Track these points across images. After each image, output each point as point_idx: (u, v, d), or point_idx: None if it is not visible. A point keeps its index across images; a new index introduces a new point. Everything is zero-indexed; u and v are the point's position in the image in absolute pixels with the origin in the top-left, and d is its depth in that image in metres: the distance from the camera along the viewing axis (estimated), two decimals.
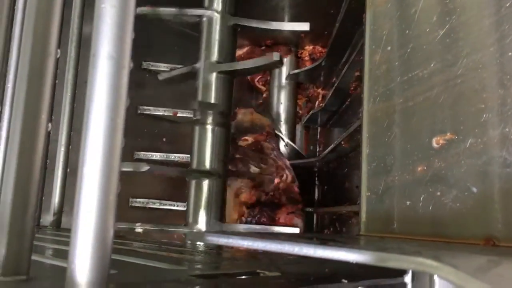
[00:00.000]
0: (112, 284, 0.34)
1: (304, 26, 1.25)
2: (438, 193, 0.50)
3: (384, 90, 0.56)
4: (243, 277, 0.46)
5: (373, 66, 0.57)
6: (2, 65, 0.41)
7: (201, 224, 1.26)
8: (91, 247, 0.28)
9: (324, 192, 1.49)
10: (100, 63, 0.30)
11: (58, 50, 0.37)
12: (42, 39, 0.36)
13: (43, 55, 0.36)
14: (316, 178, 1.54)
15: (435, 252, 0.32)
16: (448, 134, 0.51)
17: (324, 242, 0.34)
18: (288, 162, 1.41)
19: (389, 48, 0.56)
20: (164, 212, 1.49)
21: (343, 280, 0.44)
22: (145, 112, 1.51)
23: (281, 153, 1.45)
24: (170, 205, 1.48)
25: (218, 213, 1.30)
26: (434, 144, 0.52)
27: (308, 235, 0.53)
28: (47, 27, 0.36)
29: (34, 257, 0.50)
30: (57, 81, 1.03)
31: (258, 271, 0.47)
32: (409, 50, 0.54)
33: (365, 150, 0.56)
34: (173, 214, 1.48)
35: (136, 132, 1.48)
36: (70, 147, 1.03)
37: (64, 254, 0.53)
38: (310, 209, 1.46)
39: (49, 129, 0.36)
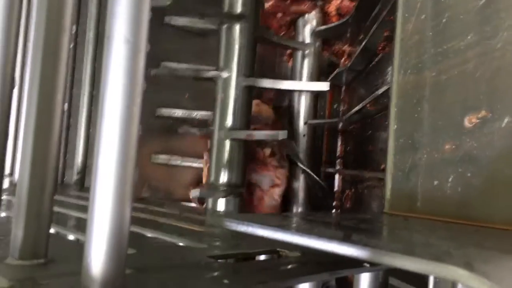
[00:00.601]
0: (129, 270, 0.34)
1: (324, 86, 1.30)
2: (469, 174, 0.48)
3: (415, 62, 0.53)
4: (263, 257, 0.46)
5: (405, 35, 0.53)
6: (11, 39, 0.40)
7: (222, 181, 1.27)
8: (107, 242, 0.28)
9: (346, 153, 1.48)
10: (115, 47, 0.28)
11: (74, 26, 0.35)
12: (57, 15, 0.34)
13: (58, 32, 0.35)
14: (339, 139, 1.52)
15: (465, 250, 0.31)
16: (483, 111, 0.48)
17: (348, 234, 0.33)
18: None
19: (423, 16, 0.52)
20: (186, 169, 1.50)
21: (365, 264, 0.43)
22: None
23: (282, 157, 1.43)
24: (192, 161, 1.49)
25: (240, 173, 1.30)
26: (467, 122, 0.49)
27: (329, 218, 0.52)
28: (61, 2, 0.34)
29: (56, 229, 0.50)
30: (78, 38, 1.01)
31: (278, 249, 0.47)
32: (444, 20, 0.51)
33: (392, 125, 0.54)
34: (195, 172, 1.49)
35: (158, 88, 1.46)
36: (93, 107, 1.02)
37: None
38: (332, 170, 1.44)
39: (65, 109, 0.35)
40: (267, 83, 1.30)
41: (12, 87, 0.41)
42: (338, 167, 1.49)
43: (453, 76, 0.50)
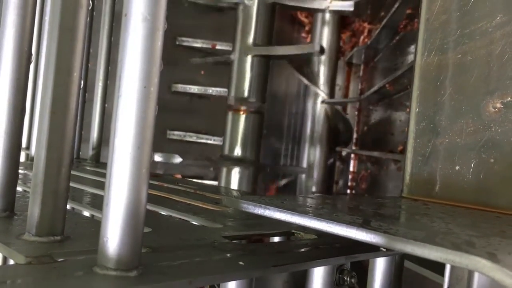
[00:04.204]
0: (145, 249, 0.34)
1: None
2: (492, 160, 0.47)
3: (440, 43, 0.51)
4: (278, 239, 0.46)
5: (430, 15, 0.51)
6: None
7: (237, 153, 1.27)
8: (123, 221, 0.27)
9: (363, 134, 1.46)
10: (132, 25, 0.27)
11: (90, 2, 0.34)
12: None
13: (75, 6, 0.34)
14: (356, 118, 1.50)
15: (488, 239, 0.30)
16: (509, 96, 0.47)
17: (367, 220, 0.32)
18: None
19: None
20: (201, 146, 1.50)
21: (382, 249, 0.42)
22: (183, 44, 1.47)
23: None
24: (207, 139, 1.49)
25: (254, 149, 1.30)
26: (491, 106, 0.48)
27: (347, 201, 0.51)
28: None
29: (72, 205, 0.50)
30: (94, 13, 1.00)
31: (293, 231, 0.46)
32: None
33: (414, 107, 0.52)
34: (210, 148, 1.49)
35: (174, 63, 1.45)
36: (108, 82, 1.02)
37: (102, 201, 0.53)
38: (348, 150, 1.43)
39: (81, 86, 0.34)
40: (281, 50, 1.28)
41: (29, 62, 0.41)
42: (354, 147, 1.48)
43: (479, 56, 0.49)
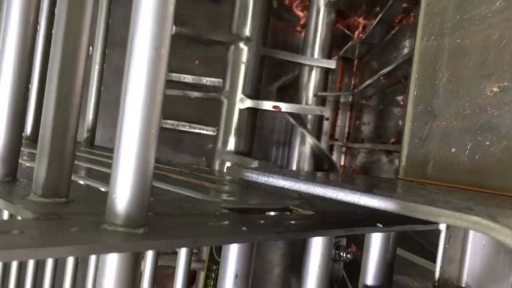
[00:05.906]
0: (151, 213, 0.34)
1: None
2: (487, 143, 0.48)
3: (440, 28, 0.52)
4: (276, 213, 0.46)
5: (431, 1, 0.52)
6: None
7: (230, 148, 1.27)
8: (132, 179, 0.28)
9: (356, 127, 1.47)
10: None
11: None
12: None
13: None
14: (349, 112, 1.51)
15: (486, 207, 0.31)
16: (506, 80, 0.48)
17: (369, 189, 0.33)
18: None
19: None
20: (194, 135, 1.50)
21: (378, 224, 0.43)
22: (177, 32, 1.47)
23: None
24: (200, 128, 1.49)
25: (248, 140, 1.30)
26: (488, 90, 0.49)
27: (349, 177, 0.52)
28: None
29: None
30: None
31: (291, 207, 0.47)
32: None
33: (412, 91, 0.53)
34: (203, 138, 1.49)
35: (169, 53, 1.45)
36: (104, 65, 1.02)
37: (97, 175, 0.53)
38: (340, 143, 1.44)
39: (90, 53, 0.35)
40: (278, 54, 1.29)
41: (35, 29, 0.41)
42: (345, 141, 1.49)
43: (477, 42, 0.50)
